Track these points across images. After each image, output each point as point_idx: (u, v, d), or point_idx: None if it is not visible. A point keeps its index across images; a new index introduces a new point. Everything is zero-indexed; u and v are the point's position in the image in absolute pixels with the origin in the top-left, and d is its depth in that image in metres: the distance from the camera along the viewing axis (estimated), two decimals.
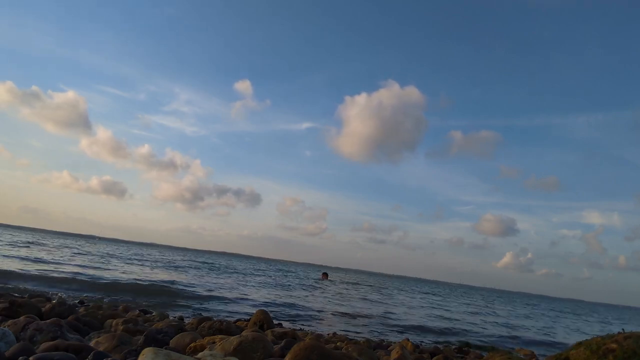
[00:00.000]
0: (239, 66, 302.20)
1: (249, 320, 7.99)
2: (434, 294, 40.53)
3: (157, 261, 32.63)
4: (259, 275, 31.01)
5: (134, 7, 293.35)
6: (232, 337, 3.77)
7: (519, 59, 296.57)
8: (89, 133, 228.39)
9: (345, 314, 13.52)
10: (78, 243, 54.28)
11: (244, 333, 3.95)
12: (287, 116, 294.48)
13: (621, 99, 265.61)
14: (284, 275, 37.06)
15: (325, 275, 42.77)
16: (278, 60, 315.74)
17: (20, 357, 2.97)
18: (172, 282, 15.71)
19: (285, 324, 9.74)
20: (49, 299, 8.12)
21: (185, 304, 11.52)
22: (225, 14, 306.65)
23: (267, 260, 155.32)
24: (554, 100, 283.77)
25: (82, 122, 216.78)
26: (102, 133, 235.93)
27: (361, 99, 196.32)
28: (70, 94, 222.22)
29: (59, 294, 10.05)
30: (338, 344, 6.33)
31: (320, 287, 25.84)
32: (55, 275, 13.78)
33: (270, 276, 32.48)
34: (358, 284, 42.10)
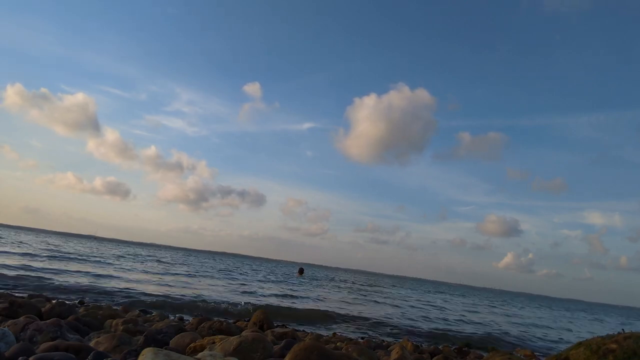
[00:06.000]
0: (243, 67, 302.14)
1: (249, 320, 7.99)
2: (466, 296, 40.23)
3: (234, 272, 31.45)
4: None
5: (135, 7, 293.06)
6: (232, 338, 3.77)
7: (524, 60, 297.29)
8: (97, 134, 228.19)
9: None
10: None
11: (243, 333, 3.95)
12: (293, 117, 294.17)
13: (624, 99, 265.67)
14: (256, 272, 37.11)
15: (300, 271, 43.07)
16: (284, 62, 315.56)
17: (20, 358, 2.96)
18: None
19: None
20: (48, 299, 8.11)
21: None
22: (228, 14, 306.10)
23: (267, 260, 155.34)
24: (557, 100, 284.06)
25: (91, 124, 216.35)
26: (110, 134, 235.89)
27: (370, 100, 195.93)
28: (80, 96, 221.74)
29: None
30: (338, 344, 6.33)
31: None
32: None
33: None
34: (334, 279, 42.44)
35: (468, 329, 14.54)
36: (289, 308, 13.27)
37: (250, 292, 17.13)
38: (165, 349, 3.02)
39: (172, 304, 11.14)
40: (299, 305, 14.69)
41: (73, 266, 18.47)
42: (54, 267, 16.59)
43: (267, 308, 11.28)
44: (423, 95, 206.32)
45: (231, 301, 12.98)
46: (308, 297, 18.09)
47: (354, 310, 15.01)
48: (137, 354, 3.11)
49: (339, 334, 9.62)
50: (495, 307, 32.50)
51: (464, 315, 19.94)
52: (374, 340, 8.92)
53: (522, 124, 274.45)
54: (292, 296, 17.69)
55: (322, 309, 13.97)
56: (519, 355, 8.51)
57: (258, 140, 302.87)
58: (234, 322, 7.96)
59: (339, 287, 30.70)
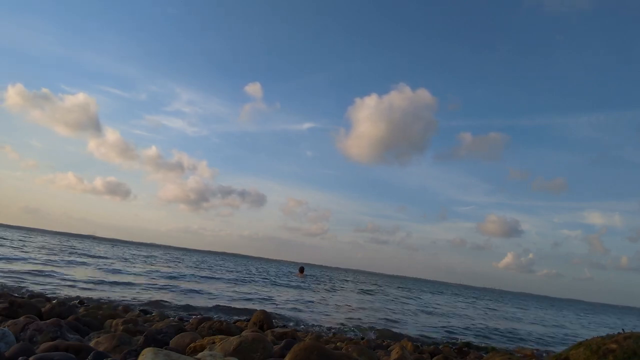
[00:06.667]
0: (243, 67, 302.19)
1: (249, 320, 7.99)
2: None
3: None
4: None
5: (135, 7, 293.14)
6: (232, 338, 3.76)
7: (524, 60, 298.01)
8: (97, 135, 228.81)
9: None
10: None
11: (243, 333, 3.95)
12: (293, 117, 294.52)
13: (624, 99, 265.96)
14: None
15: (301, 270, 42.87)
16: (284, 62, 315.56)
17: (20, 358, 2.96)
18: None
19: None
20: (48, 299, 8.11)
21: None
22: (228, 14, 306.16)
23: (267, 260, 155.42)
24: (557, 100, 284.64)
25: (91, 124, 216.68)
26: (110, 134, 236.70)
27: (371, 100, 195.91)
28: (81, 96, 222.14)
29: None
30: (338, 344, 6.33)
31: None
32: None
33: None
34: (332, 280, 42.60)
35: (468, 329, 14.53)
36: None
37: (257, 296, 16.60)
38: (165, 349, 3.02)
39: (172, 305, 11.13)
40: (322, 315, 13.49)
41: (74, 267, 18.49)
42: (55, 269, 16.59)
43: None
44: (424, 95, 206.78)
45: (241, 307, 12.54)
46: (325, 303, 17.09)
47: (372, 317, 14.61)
48: (137, 354, 3.10)
49: (339, 334, 9.63)
50: (495, 307, 32.57)
51: (464, 316, 19.97)
52: (374, 340, 8.92)
53: (522, 124, 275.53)
54: (310, 302, 16.65)
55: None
56: (519, 355, 8.51)
57: (258, 140, 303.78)
58: (234, 322, 7.96)
59: (350, 289, 30.70)
